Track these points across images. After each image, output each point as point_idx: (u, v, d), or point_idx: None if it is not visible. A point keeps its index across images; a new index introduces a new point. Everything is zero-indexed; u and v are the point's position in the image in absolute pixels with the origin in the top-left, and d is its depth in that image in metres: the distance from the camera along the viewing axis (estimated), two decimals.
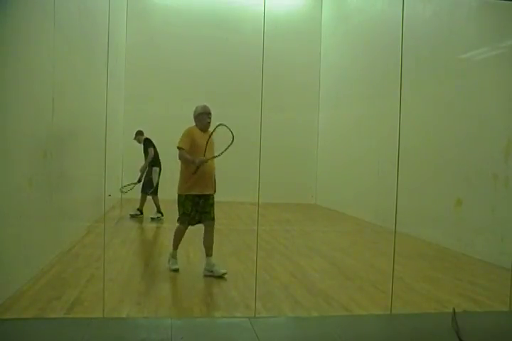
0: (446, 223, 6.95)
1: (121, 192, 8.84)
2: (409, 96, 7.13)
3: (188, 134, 5.14)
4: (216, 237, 7.41)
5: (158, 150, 9.03)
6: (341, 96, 11.57)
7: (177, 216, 5.17)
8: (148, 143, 8.84)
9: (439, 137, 7.31)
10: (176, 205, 5.12)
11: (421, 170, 7.54)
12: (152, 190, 8.76)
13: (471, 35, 6.76)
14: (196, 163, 4.95)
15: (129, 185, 8.88)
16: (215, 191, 5.32)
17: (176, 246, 5.28)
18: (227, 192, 11.50)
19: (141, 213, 8.82)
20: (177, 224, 5.19)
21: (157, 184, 8.81)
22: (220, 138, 5.29)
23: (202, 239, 5.17)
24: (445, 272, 5.58)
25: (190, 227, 5.21)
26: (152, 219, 8.66)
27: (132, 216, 8.77)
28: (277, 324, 3.88)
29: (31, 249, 4.58)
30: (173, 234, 5.28)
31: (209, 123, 5.26)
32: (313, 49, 12.88)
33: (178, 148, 5.06)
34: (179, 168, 5.16)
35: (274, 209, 10.47)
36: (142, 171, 8.88)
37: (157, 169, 8.83)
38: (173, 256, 5.27)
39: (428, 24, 7.77)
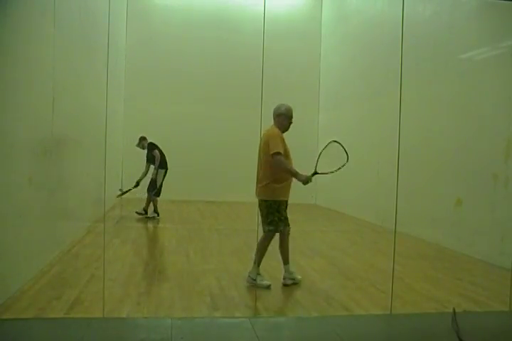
0: (446, 223, 6.95)
1: (118, 197, 8.94)
2: (409, 97, 7.13)
3: (281, 137, 4.68)
4: (216, 237, 7.45)
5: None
6: (341, 96, 11.57)
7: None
8: (152, 147, 8.81)
9: (439, 137, 7.30)
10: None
11: (421, 170, 7.54)
12: (155, 191, 8.74)
13: (471, 35, 6.76)
14: (300, 179, 4.58)
15: (126, 191, 8.98)
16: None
17: (260, 262, 4.70)
18: (227, 192, 11.56)
19: (146, 213, 8.84)
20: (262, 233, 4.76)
21: (160, 186, 8.78)
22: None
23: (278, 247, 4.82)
24: (445, 272, 5.58)
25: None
26: (148, 218, 8.74)
27: (139, 213, 8.84)
28: (277, 324, 3.88)
29: (31, 249, 4.58)
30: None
31: (289, 127, 4.82)
32: (313, 49, 12.89)
33: (276, 153, 4.56)
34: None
35: None
36: (143, 176, 8.91)
37: (163, 171, 8.79)
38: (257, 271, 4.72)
39: (428, 24, 7.77)
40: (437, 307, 4.23)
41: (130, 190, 8.99)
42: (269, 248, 6.57)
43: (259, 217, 4.80)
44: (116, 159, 10.16)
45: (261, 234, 4.78)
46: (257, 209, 4.87)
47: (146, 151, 8.94)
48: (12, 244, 4.06)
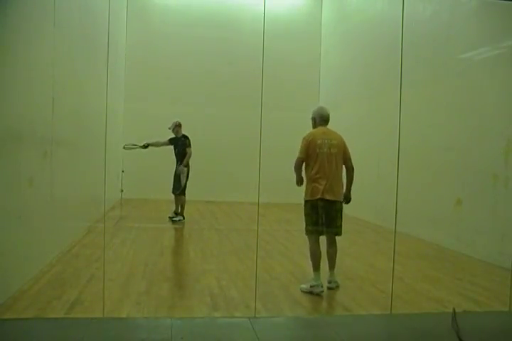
0: (446, 223, 6.95)
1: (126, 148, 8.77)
2: (409, 96, 7.13)
3: None
4: (216, 237, 7.45)
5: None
6: (341, 96, 11.57)
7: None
8: (188, 141, 8.57)
9: (438, 137, 7.31)
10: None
11: (421, 170, 7.54)
12: (181, 190, 8.52)
13: (471, 35, 6.76)
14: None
15: (134, 146, 8.71)
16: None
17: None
18: (227, 192, 11.56)
19: (183, 217, 8.65)
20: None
21: (185, 184, 8.58)
22: None
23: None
24: (445, 272, 5.58)
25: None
26: (174, 221, 8.53)
27: (172, 218, 8.62)
28: (277, 324, 3.87)
29: (31, 248, 4.58)
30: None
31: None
32: (313, 49, 12.88)
33: None
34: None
35: (274, 209, 10.47)
36: (155, 143, 8.74)
37: (186, 169, 8.59)
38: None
39: (428, 24, 7.77)
40: (437, 307, 4.23)
41: (138, 146, 8.71)
42: (268, 247, 6.56)
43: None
44: (116, 159, 10.15)
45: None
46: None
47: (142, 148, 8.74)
48: (12, 244, 4.06)
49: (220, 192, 11.55)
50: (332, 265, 4.76)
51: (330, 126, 4.94)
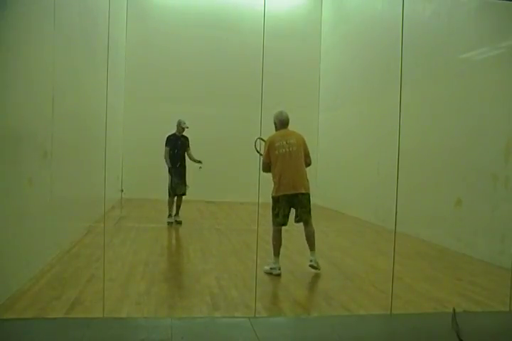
0: (446, 223, 6.95)
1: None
2: (409, 96, 7.14)
3: None
4: (216, 237, 7.45)
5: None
6: (341, 96, 11.57)
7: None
8: (189, 143, 8.52)
9: (438, 137, 7.31)
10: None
11: (421, 170, 7.54)
12: (185, 190, 8.50)
13: (471, 35, 6.76)
14: None
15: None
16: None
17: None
18: (227, 192, 11.56)
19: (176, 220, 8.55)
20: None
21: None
22: None
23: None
24: (445, 272, 5.58)
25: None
26: (178, 222, 8.43)
27: (177, 221, 8.50)
28: (277, 324, 3.88)
29: (31, 248, 4.59)
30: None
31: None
32: (313, 49, 12.88)
33: None
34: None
35: None
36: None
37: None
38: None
39: (428, 24, 7.77)
40: (437, 307, 4.23)
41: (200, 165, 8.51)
42: (268, 247, 6.55)
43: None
44: (116, 159, 10.15)
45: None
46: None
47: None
48: (12, 244, 4.06)
49: (220, 192, 11.55)
50: (311, 246, 5.31)
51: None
